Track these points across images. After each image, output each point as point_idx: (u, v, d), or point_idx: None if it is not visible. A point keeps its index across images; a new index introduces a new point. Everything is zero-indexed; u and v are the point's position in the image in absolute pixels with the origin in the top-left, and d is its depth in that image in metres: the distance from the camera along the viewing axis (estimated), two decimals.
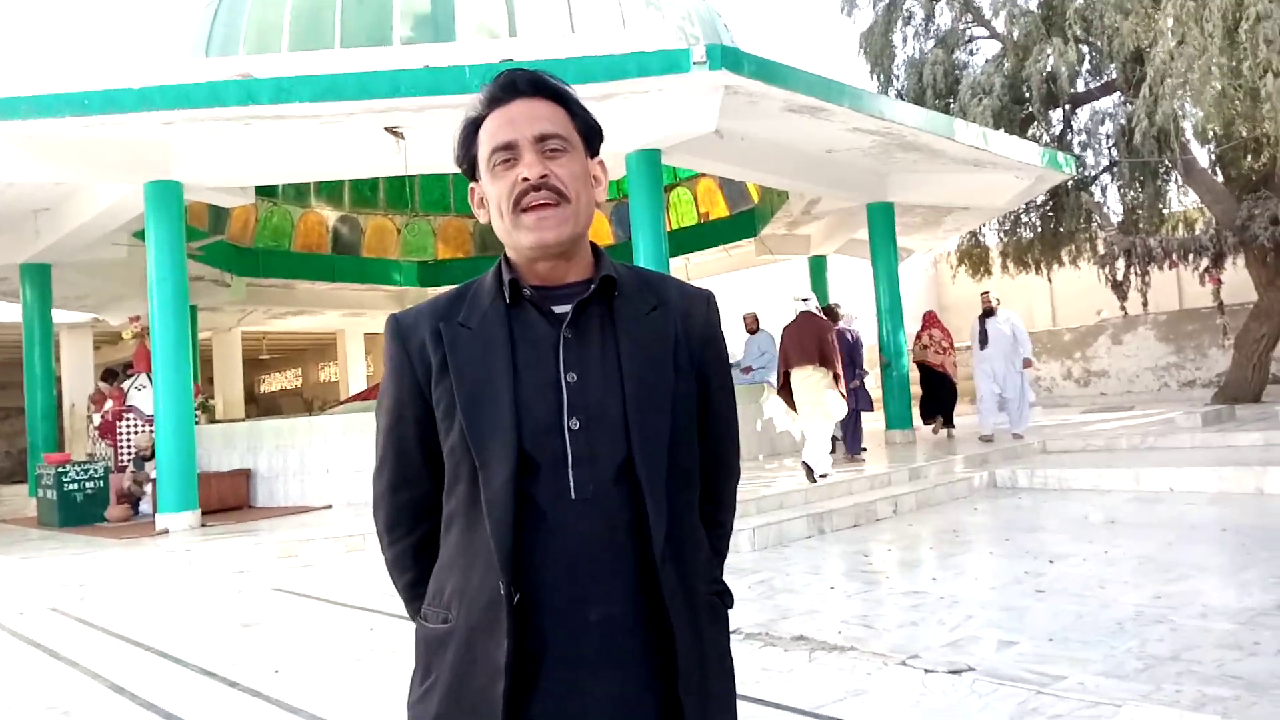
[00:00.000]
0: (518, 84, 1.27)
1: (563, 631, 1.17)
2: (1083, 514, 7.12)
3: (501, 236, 1.28)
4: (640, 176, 8.70)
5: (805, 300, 8.44)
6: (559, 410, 1.21)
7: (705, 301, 1.37)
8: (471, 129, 1.30)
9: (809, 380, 8.10)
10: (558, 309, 1.26)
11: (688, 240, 15.58)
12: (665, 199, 14.44)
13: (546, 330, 1.24)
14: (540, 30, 11.44)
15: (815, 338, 8.11)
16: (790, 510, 7.22)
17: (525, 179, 1.23)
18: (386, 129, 7.95)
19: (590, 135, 1.32)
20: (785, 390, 8.37)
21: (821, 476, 7.97)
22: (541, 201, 1.22)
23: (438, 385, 1.25)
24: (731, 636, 4.17)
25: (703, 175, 14.88)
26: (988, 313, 11.24)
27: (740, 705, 3.42)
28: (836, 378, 8.10)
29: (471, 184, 1.34)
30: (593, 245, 1.33)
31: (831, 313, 10.06)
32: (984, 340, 11.18)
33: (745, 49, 7.89)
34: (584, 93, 6.08)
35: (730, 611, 1.37)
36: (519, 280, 1.26)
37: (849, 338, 10.14)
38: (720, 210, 15.46)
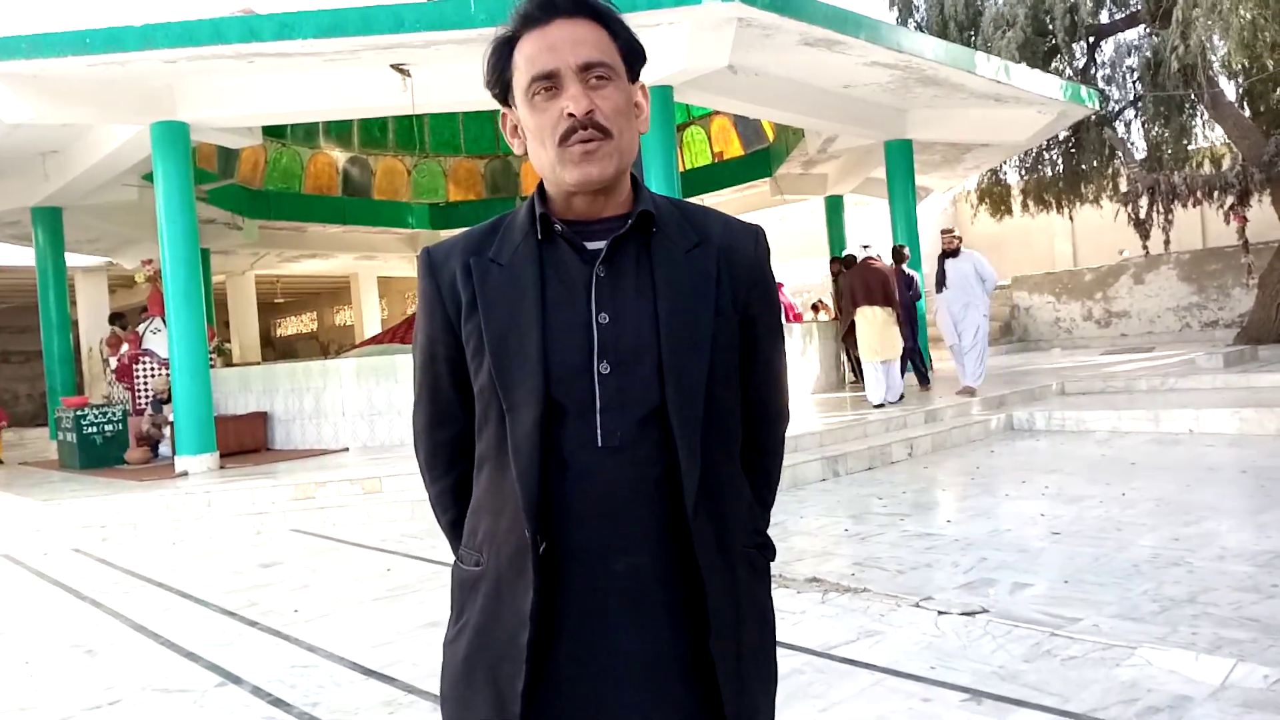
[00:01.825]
0: (557, 2, 1.17)
1: (589, 581, 1.13)
2: (1100, 456, 7.08)
3: (541, 169, 1.20)
4: (652, 114, 8.51)
5: (867, 247, 9.79)
6: (589, 353, 1.15)
7: (754, 238, 1.28)
8: (505, 49, 1.20)
9: (874, 319, 9.36)
10: (591, 245, 1.19)
11: (701, 181, 15.38)
12: (678, 138, 14.23)
13: (579, 268, 1.18)
14: None
15: (879, 281, 9.45)
16: (805, 453, 7.21)
17: (570, 114, 1.15)
18: (392, 66, 7.80)
19: (633, 58, 1.23)
20: (850, 329, 9.88)
21: (877, 406, 9.16)
22: (587, 138, 1.15)
23: (467, 322, 1.20)
24: None
25: (717, 113, 14.63)
26: (947, 253, 9.83)
27: None
28: (898, 317, 9.55)
29: (504, 109, 1.25)
30: (633, 177, 1.26)
31: (899, 253, 10.91)
32: (941, 282, 9.89)
33: None
34: None
35: (775, 551, 1.32)
36: (551, 216, 1.20)
37: (909, 278, 10.87)
38: (735, 149, 15.22)
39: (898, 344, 9.50)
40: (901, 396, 9.58)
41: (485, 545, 1.20)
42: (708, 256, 1.22)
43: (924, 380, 10.96)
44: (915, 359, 10.77)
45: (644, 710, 1.13)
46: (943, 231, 10.09)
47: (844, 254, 11.65)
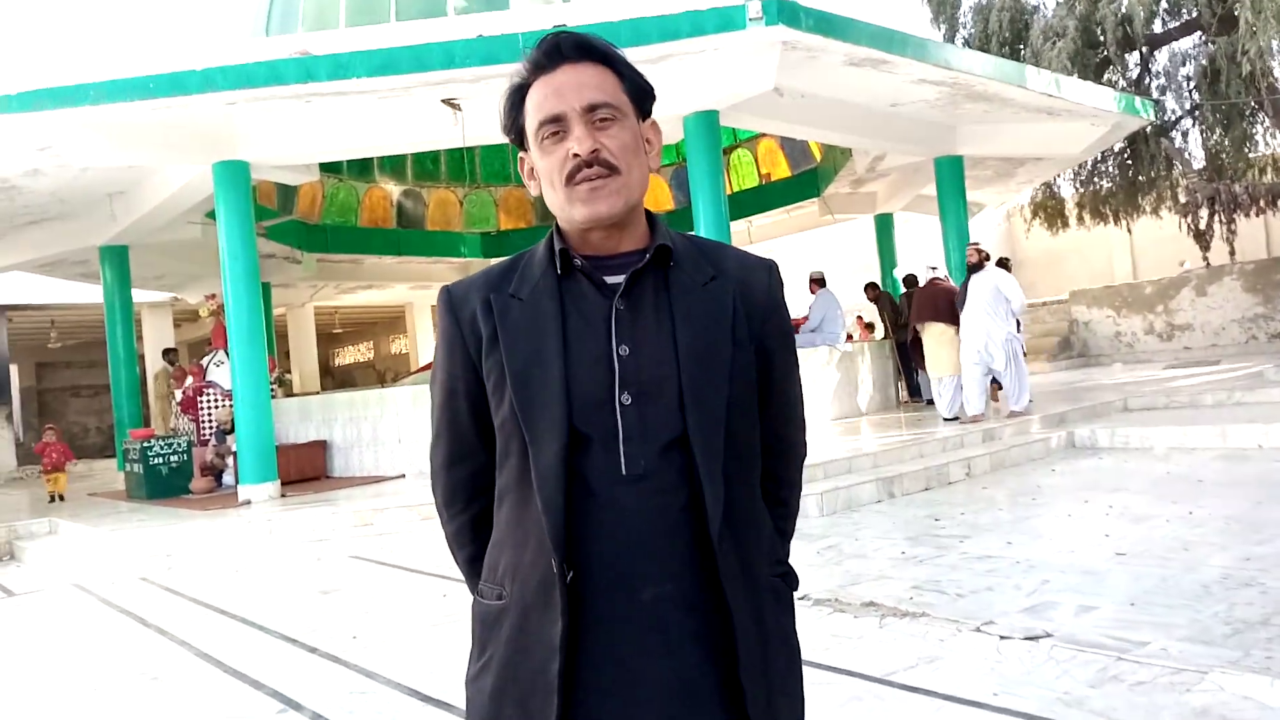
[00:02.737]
0: (562, 48, 1.22)
1: (616, 611, 1.14)
2: (1166, 473, 6.88)
3: (554, 209, 1.24)
4: (698, 139, 8.58)
5: (935, 269, 10.08)
6: (610, 384, 1.17)
7: (767, 271, 1.31)
8: (517, 97, 1.26)
9: (941, 336, 9.63)
10: (610, 280, 1.22)
11: (749, 202, 15.38)
12: (725, 161, 14.26)
13: (599, 301, 1.21)
14: None
15: (946, 299, 9.69)
16: (859, 474, 7.13)
17: (575, 154, 1.19)
18: (444, 101, 7.96)
19: (641, 97, 1.27)
20: (916, 345, 10.21)
21: (948, 420, 9.35)
22: (594, 175, 1.19)
23: (488, 357, 1.22)
24: (799, 603, 4.14)
25: (763, 135, 14.64)
26: (972, 267, 9.37)
27: (809, 672, 3.40)
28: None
29: (521, 154, 1.30)
30: (649, 214, 1.29)
31: (1003, 264, 10.93)
32: (962, 301, 9.44)
33: (802, 2, 7.68)
34: (638, 55, 5.97)
35: (799, 581, 1.33)
36: (570, 250, 1.23)
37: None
38: (782, 170, 15.21)
39: (956, 361, 9.63)
40: (980, 415, 9.37)
41: (507, 579, 1.21)
42: (724, 289, 1.24)
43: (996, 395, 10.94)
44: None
45: None
46: (970, 244, 9.73)
47: (905, 274, 11.61)
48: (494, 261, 1.33)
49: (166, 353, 12.58)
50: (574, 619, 1.14)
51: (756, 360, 1.26)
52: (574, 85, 1.20)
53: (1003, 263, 11.22)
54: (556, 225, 1.27)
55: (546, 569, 1.14)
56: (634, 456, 1.16)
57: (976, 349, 9.21)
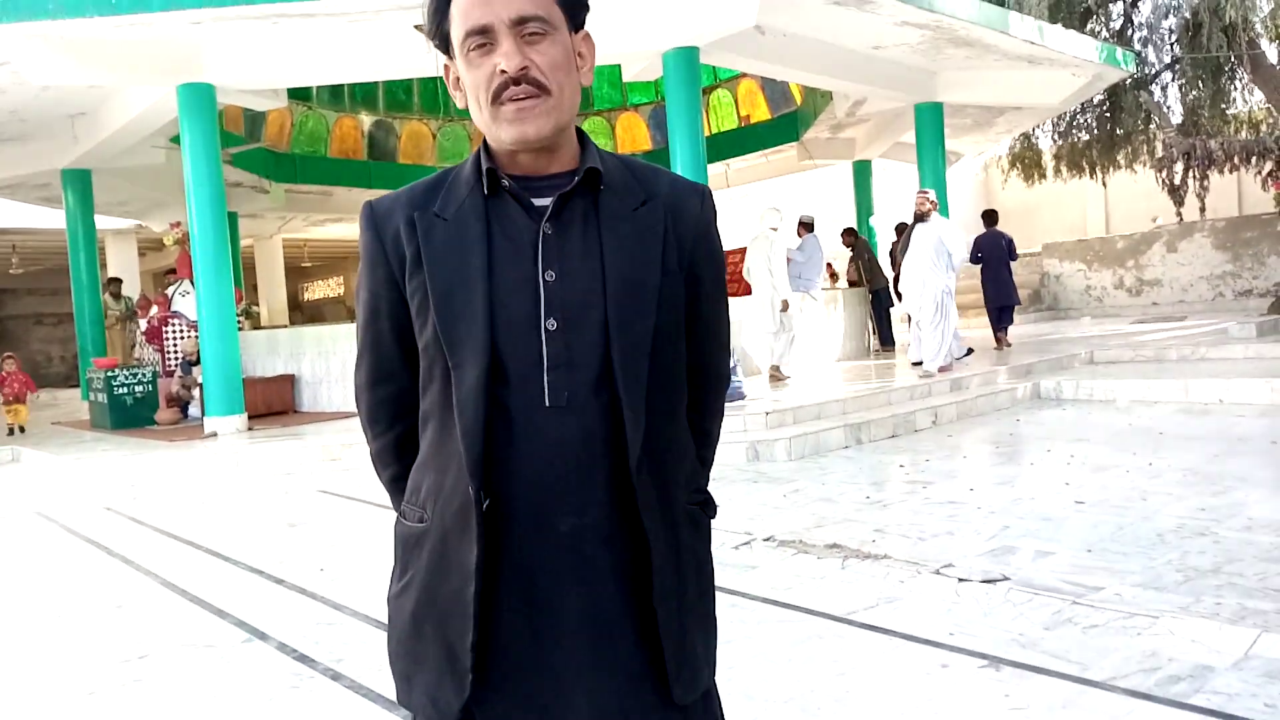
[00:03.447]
0: None
1: (533, 541, 1.14)
2: (1128, 425, 7.00)
3: (480, 126, 1.19)
4: (677, 77, 8.44)
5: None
6: (535, 310, 1.14)
7: (700, 195, 1.27)
8: (443, 1, 1.18)
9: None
10: (538, 201, 1.17)
11: (727, 145, 15.23)
12: (704, 101, 14.08)
13: (525, 224, 1.16)
14: None
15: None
16: (828, 420, 7.19)
17: (503, 70, 1.12)
18: (416, 27, 7.75)
19: (573, 6, 1.20)
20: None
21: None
22: (522, 95, 1.13)
23: (412, 279, 1.18)
24: (764, 544, 4.18)
25: (743, 76, 14.45)
26: (918, 216, 9.13)
27: (771, 610, 3.44)
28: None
29: (445, 61, 1.22)
30: (579, 133, 1.24)
31: (992, 216, 11.56)
32: (904, 250, 9.32)
33: None
34: None
35: (716, 508, 1.33)
36: (497, 170, 1.18)
37: (1005, 243, 11.26)
38: (762, 113, 15.04)
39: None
40: (969, 351, 9.98)
41: (429, 502, 1.20)
42: (654, 214, 1.21)
43: (999, 340, 11.34)
44: (1005, 316, 11.35)
45: (590, 665, 1.14)
46: (918, 192, 9.41)
47: (897, 223, 11.69)
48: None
49: (110, 282, 12.35)
50: (492, 546, 1.13)
51: (685, 287, 1.23)
52: None
53: (990, 215, 11.54)
54: (485, 142, 1.22)
55: (465, 495, 1.13)
56: (557, 387, 1.14)
57: (914, 301, 9.08)
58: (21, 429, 9.38)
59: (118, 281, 12.65)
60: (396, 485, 1.32)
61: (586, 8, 1.23)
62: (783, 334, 9.32)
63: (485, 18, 1.13)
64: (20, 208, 14.06)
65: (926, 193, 9.29)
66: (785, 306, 9.12)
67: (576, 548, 1.14)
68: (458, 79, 1.21)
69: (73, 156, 10.60)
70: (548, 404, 1.13)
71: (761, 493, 5.36)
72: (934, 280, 8.95)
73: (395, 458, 1.32)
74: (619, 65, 8.93)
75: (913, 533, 4.29)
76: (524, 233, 1.16)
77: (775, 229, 9.20)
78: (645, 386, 1.15)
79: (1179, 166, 14.50)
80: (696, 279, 1.26)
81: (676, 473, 1.23)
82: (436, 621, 1.18)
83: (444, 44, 1.21)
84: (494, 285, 1.15)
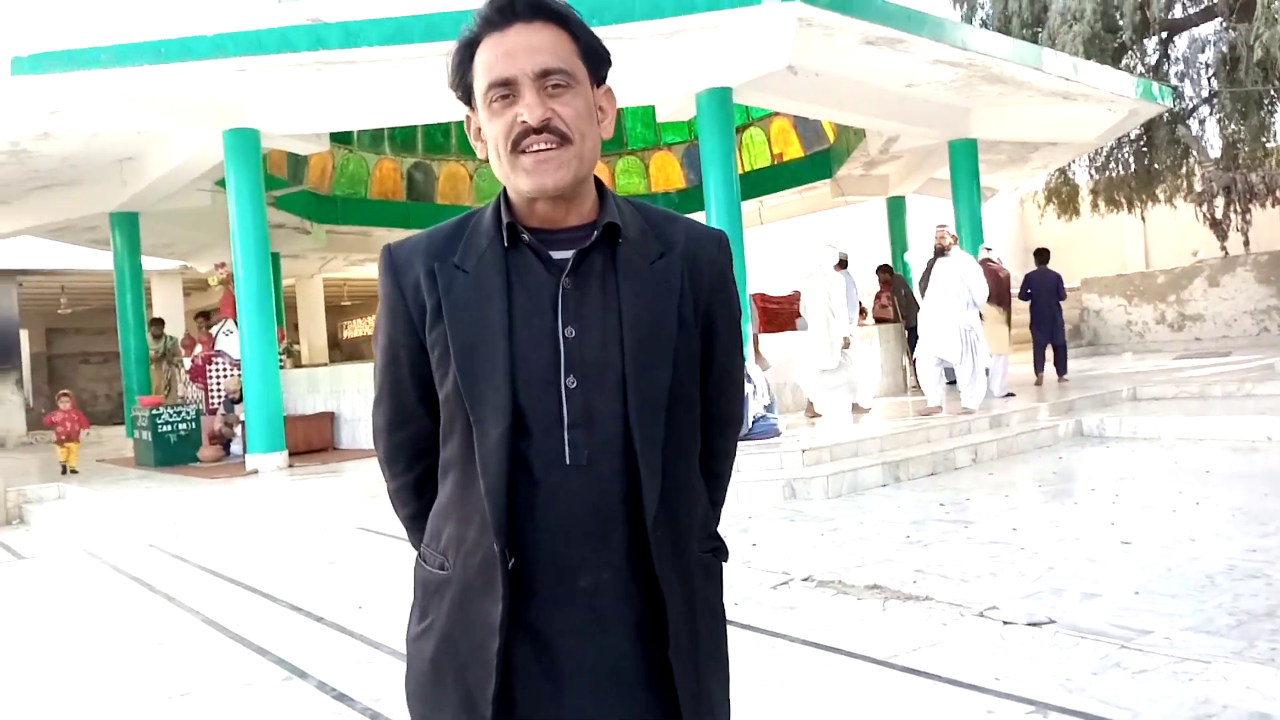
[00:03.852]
0: (515, 5, 1.16)
1: (555, 596, 1.15)
2: (1173, 463, 6.86)
3: (499, 176, 1.21)
4: (711, 117, 8.52)
5: (989, 250, 10.49)
6: (555, 366, 1.16)
7: (716, 243, 1.29)
8: (467, 53, 1.20)
9: (987, 317, 9.59)
10: (557, 255, 1.19)
11: (761, 182, 15.28)
12: (737, 139, 14.16)
13: (545, 278, 1.18)
14: None
15: (995, 281, 9.84)
16: (865, 458, 7.12)
17: (524, 120, 1.14)
18: None
19: (596, 62, 1.22)
20: None
21: (1006, 396, 9.77)
22: (542, 145, 1.15)
23: (432, 330, 1.20)
24: (803, 585, 4.14)
25: (776, 114, 14.52)
26: (939, 250, 8.77)
27: (811, 653, 3.39)
28: (1008, 318, 10.20)
29: (468, 112, 1.25)
30: (598, 183, 1.26)
31: (1043, 255, 11.90)
32: (924, 286, 8.92)
33: None
34: (652, 29, 5.96)
35: (728, 553, 1.34)
36: (517, 223, 1.19)
37: (1055, 281, 11.58)
38: (795, 150, 15.10)
39: (1005, 341, 10.11)
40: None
41: (450, 551, 1.21)
42: (671, 268, 1.23)
43: (1061, 373, 11.61)
44: (1060, 352, 11.61)
45: (608, 718, 1.15)
46: (937, 226, 9.03)
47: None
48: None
49: (153, 323, 12.64)
50: (514, 603, 1.15)
51: (700, 335, 1.25)
52: (526, 48, 1.15)
53: (1042, 253, 11.88)
54: (504, 192, 1.23)
55: (489, 551, 1.15)
56: (578, 445, 1.15)
57: (935, 338, 8.71)
58: (74, 470, 9.27)
59: (159, 322, 12.90)
60: (415, 523, 1.34)
61: (609, 63, 1.25)
62: (843, 370, 9.33)
63: (509, 70, 1.15)
64: (69, 249, 14.42)
65: (945, 226, 9.03)
66: (847, 343, 9.17)
67: (595, 603, 1.15)
68: (479, 129, 1.23)
69: (121, 200, 10.88)
70: (568, 462, 1.15)
71: (799, 531, 5.31)
72: (962, 318, 8.63)
73: (414, 496, 1.34)
74: (653, 106, 9.02)
75: (954, 573, 4.22)
76: (544, 287, 1.18)
77: (834, 265, 9.35)
78: (662, 443, 1.17)
79: (1219, 200, 14.32)
80: (712, 328, 1.27)
81: (690, 523, 1.24)
82: (457, 670, 1.19)
83: (466, 95, 1.23)
84: (515, 341, 1.16)
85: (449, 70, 1.24)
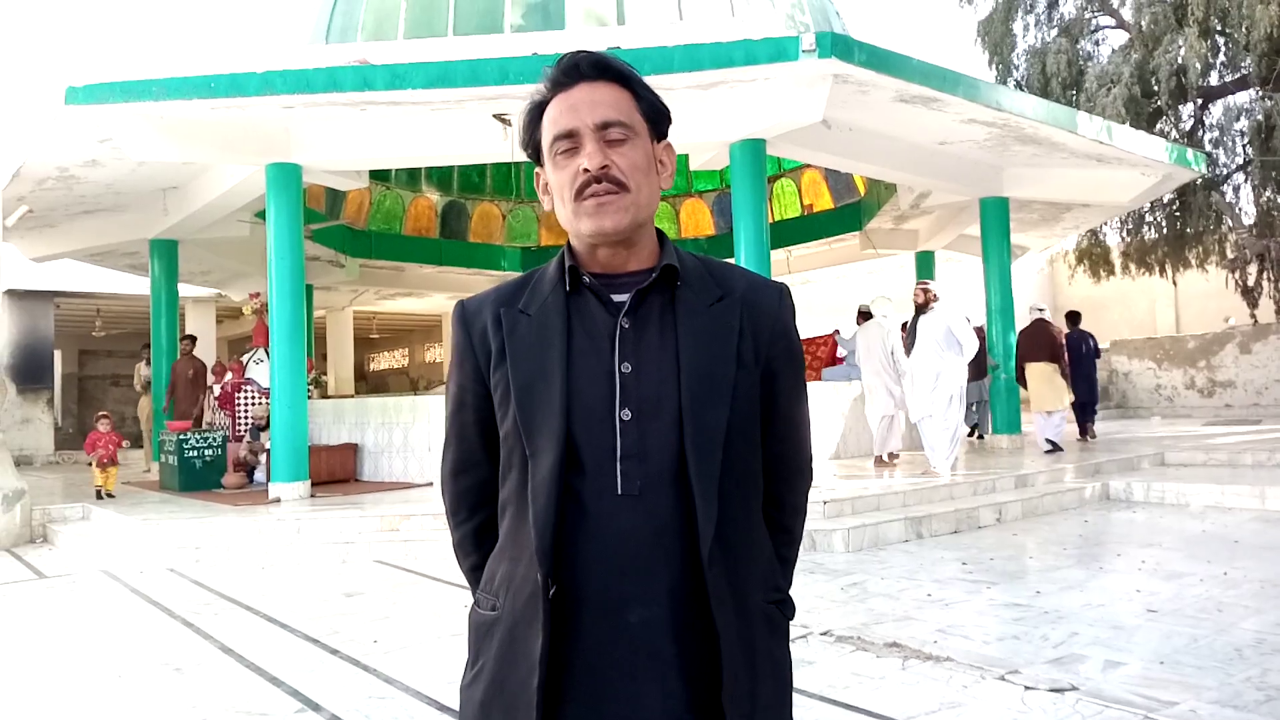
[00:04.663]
0: (580, 67, 1.25)
1: (601, 631, 1.15)
2: (1201, 531, 6.75)
3: (564, 224, 1.26)
4: (744, 166, 8.61)
5: (1041, 310, 11.20)
6: (611, 400, 1.18)
7: (778, 293, 1.32)
8: (535, 113, 1.28)
9: (1042, 374, 10.68)
10: (617, 297, 1.23)
11: (790, 232, 15.37)
12: (768, 189, 14.28)
13: (604, 319, 1.22)
14: (648, 18, 11.43)
15: (1048, 339, 10.74)
16: (888, 512, 7.06)
17: (585, 169, 1.20)
18: (495, 116, 8.07)
19: (656, 118, 1.28)
20: (1020, 381, 11.04)
21: (1057, 450, 10.20)
22: (602, 191, 1.20)
23: (495, 371, 1.25)
24: (820, 639, 4.10)
25: (808, 166, 14.65)
26: (919, 308, 8.62)
27: (829, 711, 3.36)
28: (1063, 373, 10.77)
29: (537, 169, 1.32)
30: (659, 233, 1.31)
31: (1075, 317, 12.31)
32: (909, 344, 8.76)
33: (857, 37, 7.70)
34: (690, 80, 6.09)
35: (795, 609, 1.32)
36: (579, 268, 1.24)
37: (1089, 343, 12.10)
38: (825, 202, 15.20)
39: (1063, 396, 10.70)
40: (1059, 448, 10.32)
41: (502, 590, 1.22)
42: (731, 310, 1.25)
43: (1085, 433, 12.06)
44: (1089, 411, 12.04)
45: None
46: (917, 283, 8.98)
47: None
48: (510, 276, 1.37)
49: (144, 348, 12.63)
50: (559, 635, 1.14)
51: (762, 383, 1.26)
52: (589, 103, 1.22)
53: (1074, 316, 12.24)
54: (569, 243, 1.29)
55: (535, 583, 1.15)
56: (630, 476, 1.16)
57: (925, 396, 8.47)
58: (110, 494, 8.95)
59: (149, 347, 12.81)
60: (475, 575, 1.35)
61: (669, 120, 1.31)
62: (900, 416, 9.57)
63: (572, 123, 1.22)
64: (107, 273, 14.71)
65: (925, 283, 8.89)
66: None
67: (644, 639, 1.14)
68: (546, 184, 1.29)
69: (162, 227, 11.12)
70: (620, 492, 1.16)
71: (819, 584, 5.26)
72: (949, 371, 8.37)
73: (475, 546, 1.35)
74: (687, 154, 9.14)
75: (976, 635, 4.17)
76: (603, 327, 1.22)
77: (886, 316, 9.60)
78: (718, 478, 1.17)
79: (1252, 268, 14.22)
80: (773, 374, 1.28)
81: (751, 569, 1.23)
82: (503, 710, 1.18)
83: (535, 153, 1.30)
84: (572, 376, 1.19)
85: (519, 130, 1.31)
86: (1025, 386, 11.03)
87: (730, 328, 1.24)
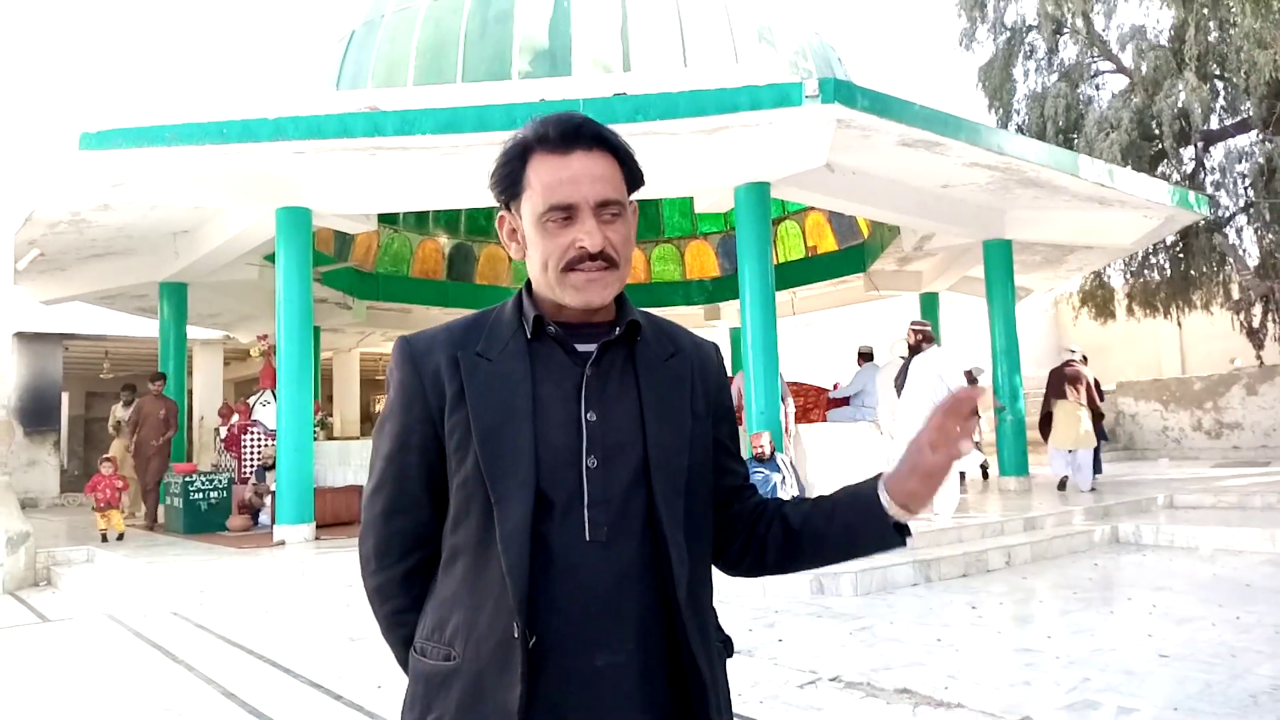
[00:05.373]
0: (582, 135, 1.24)
1: (571, 677, 1.16)
2: (1212, 575, 6.69)
3: (538, 285, 1.26)
4: (748, 209, 8.69)
5: (1072, 351, 11.67)
6: (578, 448, 1.20)
7: (716, 351, 1.40)
8: (519, 162, 1.25)
9: (1071, 413, 11.03)
10: (581, 347, 1.25)
11: (794, 274, 15.43)
12: (773, 232, 14.36)
13: (570, 368, 1.24)
14: (653, 64, 11.60)
15: (1077, 380, 11.15)
16: (895, 555, 6.99)
17: (582, 247, 1.21)
18: None
19: (633, 186, 1.30)
20: (1047, 420, 11.40)
21: (1061, 487, 10.80)
22: (595, 269, 1.22)
23: (451, 415, 1.22)
24: (830, 684, 4.06)
25: (811, 208, 14.75)
26: (912, 349, 8.57)
27: None
28: (1096, 415, 11.27)
29: (502, 212, 1.30)
30: None
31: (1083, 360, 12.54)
32: (900, 385, 8.66)
33: (859, 82, 7.81)
34: (695, 125, 6.19)
35: (734, 648, 1.37)
36: (544, 317, 1.26)
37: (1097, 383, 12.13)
38: (828, 244, 15.27)
39: (1091, 436, 11.01)
40: (1093, 489, 10.67)
41: (458, 639, 1.20)
42: (684, 365, 1.31)
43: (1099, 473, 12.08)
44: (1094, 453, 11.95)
45: None
46: (911, 323, 8.74)
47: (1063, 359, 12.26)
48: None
49: (124, 389, 12.27)
50: (531, 684, 1.14)
51: (711, 430, 1.33)
52: (589, 176, 1.22)
53: (1082, 359, 12.06)
54: (527, 287, 1.29)
55: (505, 632, 1.15)
56: (598, 522, 1.18)
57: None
58: (120, 536, 8.85)
59: (131, 389, 12.65)
60: (398, 618, 1.32)
61: (642, 185, 1.32)
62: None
63: (573, 197, 1.21)
64: (115, 315, 14.79)
65: (918, 323, 8.73)
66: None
67: (611, 684, 1.16)
68: (513, 230, 1.30)
69: (172, 270, 11.20)
70: (588, 538, 1.18)
71: (827, 629, 5.22)
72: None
73: (401, 590, 1.31)
74: (691, 197, 9.23)
75: (987, 680, 4.12)
76: (568, 376, 1.24)
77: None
78: (683, 522, 1.22)
79: (1257, 309, 14.23)
80: (719, 421, 1.35)
81: (708, 611, 1.29)
82: None
83: (507, 197, 1.28)
84: (539, 423, 1.21)
85: (495, 168, 1.28)
86: (1050, 425, 11.26)
87: (684, 381, 1.30)
